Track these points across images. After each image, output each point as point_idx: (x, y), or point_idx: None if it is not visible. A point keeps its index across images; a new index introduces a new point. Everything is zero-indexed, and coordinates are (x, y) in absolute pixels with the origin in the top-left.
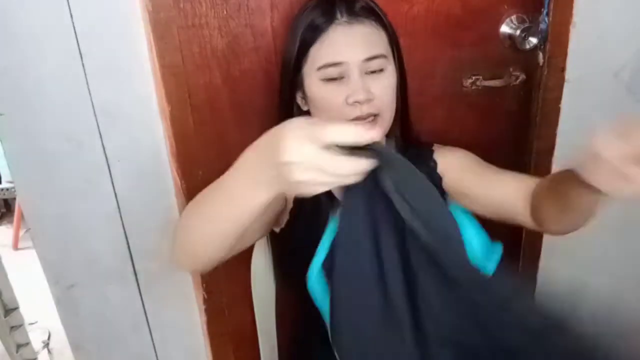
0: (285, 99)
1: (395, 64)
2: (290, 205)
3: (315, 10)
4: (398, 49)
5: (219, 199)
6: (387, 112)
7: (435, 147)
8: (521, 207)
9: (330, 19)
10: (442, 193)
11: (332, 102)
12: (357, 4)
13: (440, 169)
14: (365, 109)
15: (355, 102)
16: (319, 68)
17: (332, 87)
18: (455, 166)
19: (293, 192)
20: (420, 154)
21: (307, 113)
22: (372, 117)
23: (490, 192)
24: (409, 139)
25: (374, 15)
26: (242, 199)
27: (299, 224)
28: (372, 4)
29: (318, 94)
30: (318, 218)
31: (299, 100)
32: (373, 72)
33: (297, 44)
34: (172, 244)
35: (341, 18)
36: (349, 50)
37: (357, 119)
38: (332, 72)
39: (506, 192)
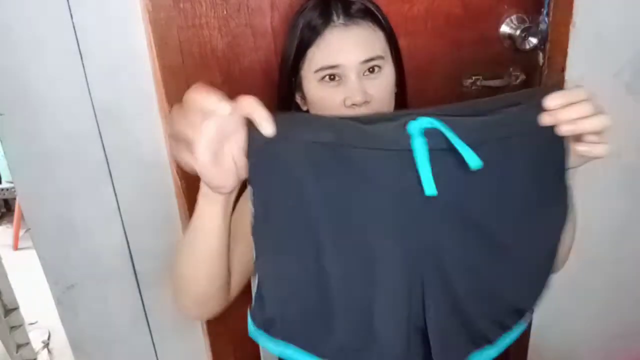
0: (284, 99)
1: (393, 63)
2: None
3: (313, 11)
4: (396, 47)
5: (188, 233)
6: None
7: None
8: None
9: (326, 20)
10: None
11: (330, 104)
12: (354, 6)
13: None
14: (363, 110)
15: (353, 104)
16: (316, 70)
17: (329, 89)
18: None
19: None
20: None
21: (307, 113)
22: None
23: None
24: None
25: (371, 16)
26: (201, 218)
27: None
28: (369, 5)
29: (316, 96)
30: None
31: (298, 100)
32: (371, 73)
33: (295, 44)
34: (175, 294)
35: (337, 20)
36: (345, 53)
37: None
38: (329, 74)
39: None
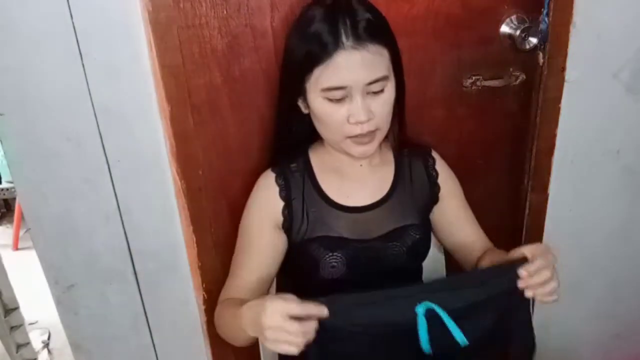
0: (286, 102)
1: (395, 78)
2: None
3: (322, 24)
4: (399, 62)
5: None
6: (384, 126)
7: (432, 149)
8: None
9: (336, 40)
10: (438, 192)
11: (334, 120)
12: (360, 24)
13: (438, 167)
14: (365, 127)
15: (357, 122)
16: (323, 89)
17: (335, 106)
18: (448, 185)
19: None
20: (418, 150)
21: (307, 116)
22: (371, 133)
23: (455, 233)
24: (405, 139)
25: (378, 35)
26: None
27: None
28: (374, 21)
29: (321, 110)
30: None
31: (300, 103)
32: (374, 92)
33: (303, 55)
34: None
35: (347, 42)
36: (352, 75)
37: (358, 136)
38: (336, 94)
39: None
